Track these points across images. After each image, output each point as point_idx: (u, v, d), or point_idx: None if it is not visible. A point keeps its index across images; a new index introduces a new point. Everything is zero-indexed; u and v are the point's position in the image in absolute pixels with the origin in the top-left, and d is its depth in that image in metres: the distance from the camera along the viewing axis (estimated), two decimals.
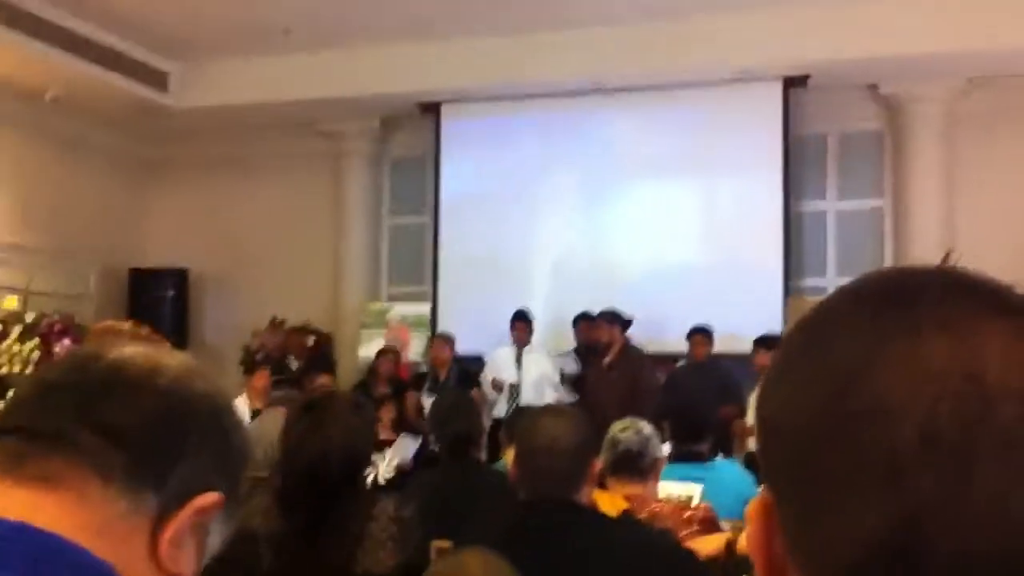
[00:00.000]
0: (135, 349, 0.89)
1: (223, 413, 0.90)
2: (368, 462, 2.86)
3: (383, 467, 6.54)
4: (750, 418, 7.65)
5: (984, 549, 0.55)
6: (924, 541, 0.56)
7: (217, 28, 9.35)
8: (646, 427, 3.60)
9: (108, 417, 0.82)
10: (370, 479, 6.33)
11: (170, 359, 0.89)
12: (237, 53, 9.93)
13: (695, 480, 3.92)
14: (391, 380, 9.15)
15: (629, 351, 8.27)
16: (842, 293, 0.65)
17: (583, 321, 8.83)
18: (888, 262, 9.46)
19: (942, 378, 0.57)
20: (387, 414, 8.26)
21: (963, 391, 0.56)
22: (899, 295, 0.62)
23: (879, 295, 0.63)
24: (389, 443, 7.70)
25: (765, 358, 7.79)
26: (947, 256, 7.93)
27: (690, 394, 6.39)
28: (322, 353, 10.23)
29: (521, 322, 8.80)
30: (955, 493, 0.55)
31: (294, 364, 9.68)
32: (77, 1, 8.69)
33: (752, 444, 7.50)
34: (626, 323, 8.29)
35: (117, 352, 0.88)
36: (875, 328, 0.60)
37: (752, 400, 7.70)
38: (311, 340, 10.38)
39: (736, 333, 8.56)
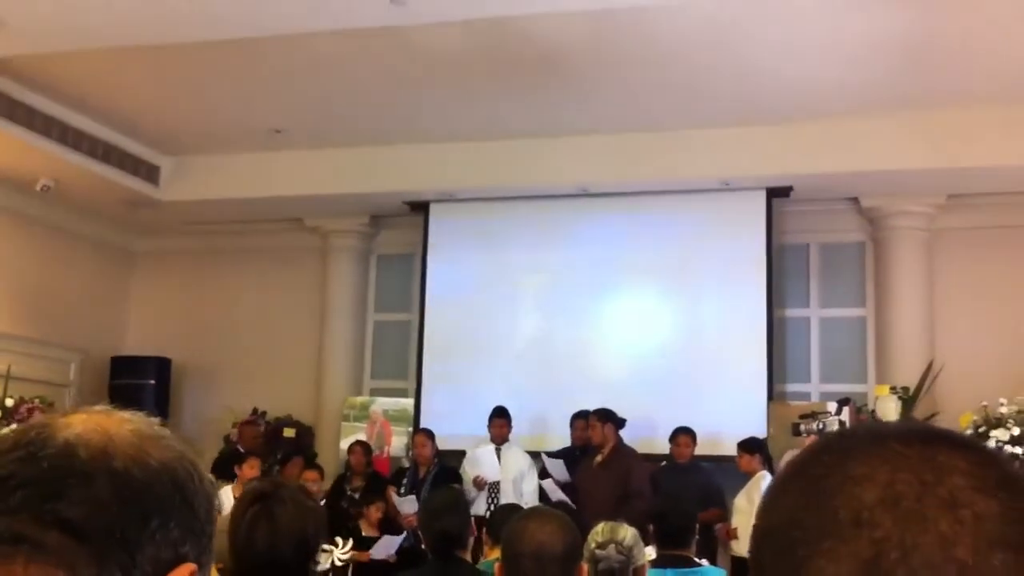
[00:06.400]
0: (85, 424, 0.86)
1: (183, 481, 0.87)
2: (318, 548, 2.81)
3: (337, 552, 6.51)
4: (734, 521, 7.62)
5: None
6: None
7: (210, 125, 9.49)
8: (627, 535, 3.47)
9: (66, 513, 0.79)
10: (327, 564, 6.28)
11: (121, 431, 0.87)
12: (228, 149, 10.06)
13: None
14: (367, 474, 9.09)
15: (621, 450, 8.26)
16: (822, 438, 0.79)
17: (579, 420, 8.79)
18: (871, 370, 9.55)
19: (903, 457, 0.72)
20: (375, 512, 8.17)
21: (920, 465, 0.71)
22: (873, 431, 0.76)
23: (857, 432, 0.77)
24: (372, 540, 7.62)
25: (749, 461, 7.81)
26: (930, 367, 7.99)
27: (674, 497, 6.36)
28: (301, 447, 10.19)
29: (500, 419, 8.79)
30: (912, 540, 0.68)
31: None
32: (73, 95, 8.82)
33: (735, 547, 7.47)
34: (619, 422, 8.28)
35: (65, 432, 0.84)
36: (850, 444, 0.75)
37: (735, 503, 7.69)
38: (291, 432, 10.38)
39: (719, 436, 8.60)
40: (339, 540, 6.68)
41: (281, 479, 4.04)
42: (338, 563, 6.39)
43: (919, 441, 0.74)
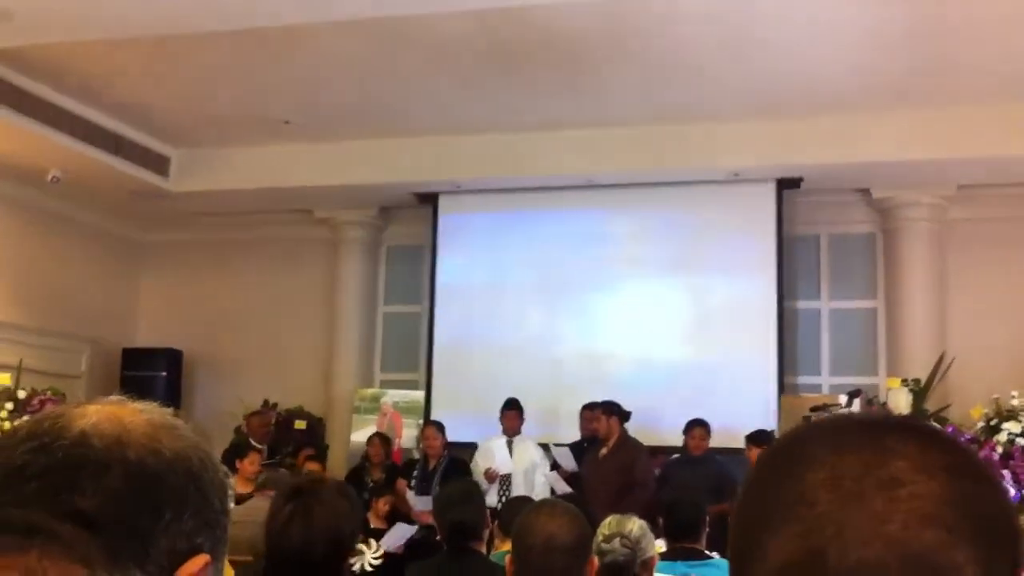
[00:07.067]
0: (99, 415, 0.86)
1: (197, 471, 0.87)
2: (353, 548, 2.79)
3: (369, 555, 6.44)
4: None
5: (871, 558, 0.71)
6: (825, 554, 0.71)
7: (219, 117, 9.48)
8: (635, 528, 3.45)
9: (80, 504, 0.79)
10: (356, 567, 6.22)
11: (136, 421, 0.86)
12: (238, 141, 10.06)
13: None
14: (385, 466, 9.09)
15: (626, 442, 8.26)
16: (795, 429, 0.83)
17: (587, 411, 8.80)
18: (882, 362, 9.53)
19: (854, 443, 0.76)
20: (383, 505, 8.17)
21: (868, 450, 0.75)
22: (840, 420, 0.80)
23: (825, 422, 0.81)
24: (380, 532, 7.62)
25: (757, 454, 7.80)
26: (941, 359, 7.96)
27: (683, 490, 6.36)
28: (312, 438, 10.22)
29: (512, 411, 8.79)
30: (847, 517, 0.72)
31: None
32: (82, 87, 8.82)
33: None
34: (624, 415, 8.29)
35: (80, 422, 0.84)
36: (815, 432, 0.80)
37: None
38: (302, 424, 10.40)
39: (730, 429, 8.57)
40: (372, 542, 6.60)
41: (322, 475, 3.99)
42: (368, 568, 6.27)
43: (876, 428, 0.77)
